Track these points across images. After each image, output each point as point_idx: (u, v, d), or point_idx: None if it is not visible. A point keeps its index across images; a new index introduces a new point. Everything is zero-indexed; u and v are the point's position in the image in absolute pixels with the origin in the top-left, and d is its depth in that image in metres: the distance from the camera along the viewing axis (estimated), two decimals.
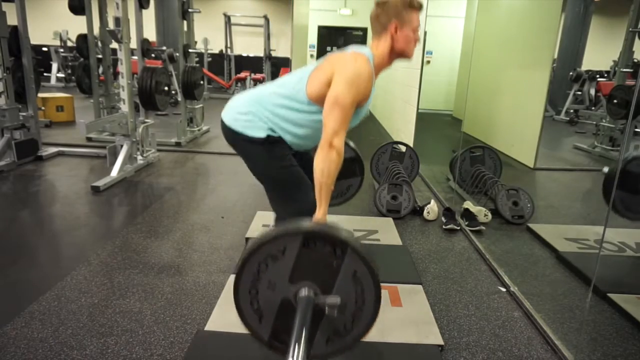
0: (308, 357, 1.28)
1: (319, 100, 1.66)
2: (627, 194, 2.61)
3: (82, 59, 6.48)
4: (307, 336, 1.19)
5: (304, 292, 1.27)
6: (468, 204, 3.30)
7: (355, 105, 1.61)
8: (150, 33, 8.83)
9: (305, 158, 1.88)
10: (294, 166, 1.80)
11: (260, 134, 1.73)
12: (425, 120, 5.97)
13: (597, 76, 8.29)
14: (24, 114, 4.16)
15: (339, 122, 1.57)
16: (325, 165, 1.55)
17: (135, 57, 4.77)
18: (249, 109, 1.75)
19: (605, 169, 2.71)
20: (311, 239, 1.25)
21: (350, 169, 2.53)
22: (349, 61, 1.64)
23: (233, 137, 1.79)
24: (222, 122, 1.82)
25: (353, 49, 1.71)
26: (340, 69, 1.62)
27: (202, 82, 5.79)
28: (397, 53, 1.75)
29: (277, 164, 1.78)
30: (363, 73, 1.62)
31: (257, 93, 1.80)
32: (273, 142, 1.75)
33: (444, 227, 3.13)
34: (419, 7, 1.74)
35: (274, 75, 11.36)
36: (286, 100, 1.72)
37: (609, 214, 2.65)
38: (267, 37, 11.17)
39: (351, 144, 2.45)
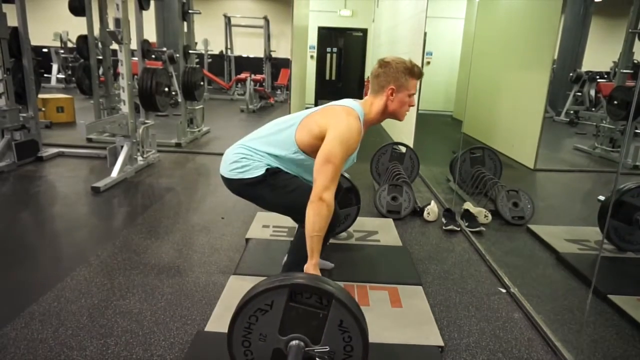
0: None
1: (308, 150, 1.77)
2: (622, 224, 2.66)
3: (82, 60, 6.47)
4: None
5: (294, 343, 1.33)
6: (468, 205, 3.29)
7: (345, 160, 1.71)
8: (151, 34, 8.84)
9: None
10: (300, 185, 1.88)
11: (259, 172, 1.82)
12: (425, 121, 5.97)
13: (597, 77, 8.29)
14: (24, 115, 4.16)
15: (330, 179, 1.65)
16: (316, 220, 1.63)
17: (135, 58, 4.77)
18: (242, 158, 1.86)
19: (601, 197, 2.76)
20: (297, 291, 1.31)
21: (347, 198, 2.63)
22: (342, 119, 1.72)
23: (236, 186, 1.90)
24: (222, 177, 1.94)
25: (346, 104, 1.80)
26: (334, 125, 1.71)
27: (202, 83, 5.79)
28: (388, 113, 1.86)
29: (284, 190, 1.86)
30: (354, 132, 1.71)
31: (247, 143, 1.90)
32: (273, 173, 1.84)
33: (444, 228, 3.13)
34: (419, 76, 1.85)
35: (274, 76, 11.37)
36: (276, 147, 1.83)
37: (609, 214, 2.66)
38: (267, 38, 11.18)
39: (346, 175, 2.54)
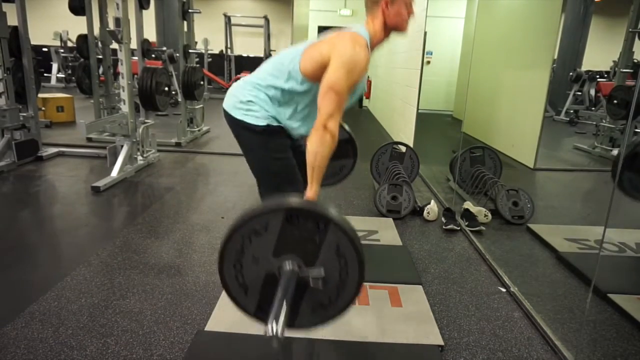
0: (292, 326, 1.32)
1: (312, 78, 1.66)
2: (635, 174, 2.60)
3: (82, 60, 6.47)
4: (288, 306, 1.21)
5: (287, 265, 1.28)
6: (468, 204, 3.30)
7: (351, 89, 1.61)
8: (151, 33, 8.84)
9: (299, 153, 1.88)
10: (289, 159, 1.81)
11: (260, 122, 1.73)
12: (425, 121, 5.97)
13: (597, 76, 8.29)
14: (24, 114, 4.16)
15: (334, 107, 1.56)
16: (319, 149, 1.54)
17: (135, 58, 4.77)
18: (249, 97, 1.75)
19: (615, 151, 2.71)
20: (293, 214, 1.26)
21: (344, 150, 2.51)
22: (347, 44, 1.61)
23: (234, 124, 1.80)
24: (224, 110, 1.83)
25: (351, 30, 1.68)
26: (339, 52, 1.60)
27: (202, 82, 5.79)
28: (390, 28, 1.72)
29: (274, 155, 1.79)
30: (360, 59, 1.60)
31: (254, 78, 1.79)
32: (272, 133, 1.76)
33: (444, 227, 3.13)
34: None
35: None
36: (282, 80, 1.71)
37: (608, 214, 2.65)
38: (267, 38, 11.19)
39: (346, 126, 2.45)
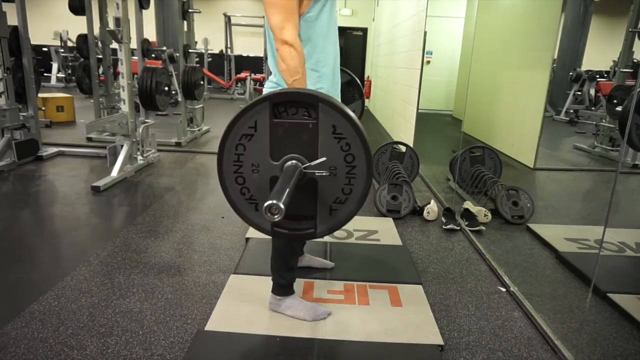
0: (302, 235, 1.26)
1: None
2: None
3: (82, 59, 6.47)
4: (289, 192, 1.12)
5: (289, 163, 1.22)
6: (468, 204, 3.30)
7: None
8: (151, 33, 8.83)
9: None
10: None
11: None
12: (425, 121, 5.98)
13: (597, 76, 8.29)
14: (24, 114, 4.16)
15: (282, 17, 1.49)
16: (287, 64, 1.47)
17: (135, 58, 4.77)
18: (275, 80, 1.71)
19: (619, 108, 2.69)
20: (278, 104, 1.20)
21: (348, 93, 2.43)
22: None
23: None
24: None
25: None
26: None
27: (202, 82, 5.79)
28: None
29: None
30: None
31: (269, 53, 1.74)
32: None
33: (444, 227, 3.13)
34: None
35: None
36: (270, 43, 1.66)
37: (608, 213, 2.65)
38: None
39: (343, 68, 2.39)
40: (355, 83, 2.45)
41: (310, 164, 1.20)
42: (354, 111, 2.49)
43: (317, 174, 1.20)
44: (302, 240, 1.30)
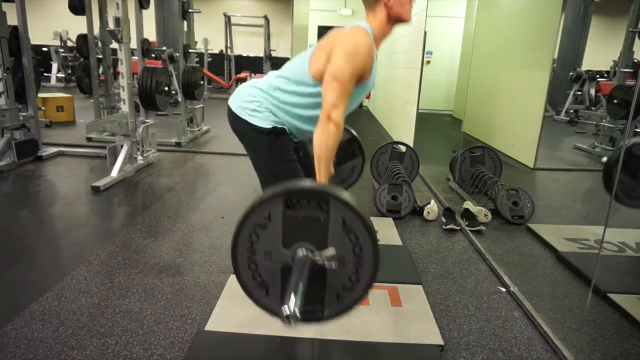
0: (309, 319, 1.29)
1: (321, 79, 1.64)
2: (627, 180, 2.59)
3: (82, 59, 6.48)
4: (304, 289, 1.19)
5: (300, 252, 1.27)
6: (468, 204, 3.30)
7: (354, 78, 1.59)
8: (151, 33, 8.83)
9: (304, 154, 1.88)
10: (294, 161, 1.80)
11: (266, 124, 1.73)
12: (425, 121, 5.98)
13: (597, 76, 8.29)
14: (24, 114, 4.16)
15: (337, 96, 1.54)
16: (324, 139, 1.54)
17: (135, 57, 4.77)
18: (255, 98, 1.75)
19: (604, 159, 2.71)
20: (292, 197, 1.25)
21: (350, 150, 2.51)
22: (347, 35, 1.61)
23: (239, 125, 1.78)
24: (229, 109, 1.81)
25: (351, 24, 1.68)
26: (339, 43, 1.60)
27: (202, 82, 5.79)
28: (394, 19, 1.71)
29: (278, 156, 1.78)
30: (361, 45, 1.59)
31: (263, 81, 1.79)
32: (278, 135, 1.75)
33: (444, 227, 3.13)
34: None
35: None
36: (291, 84, 1.71)
37: (608, 213, 2.65)
38: (267, 37, 11.18)
39: (349, 128, 2.44)
40: (356, 140, 2.55)
41: (320, 255, 1.26)
42: (354, 166, 2.52)
43: (326, 264, 1.26)
44: (311, 323, 1.36)
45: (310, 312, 1.32)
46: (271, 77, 1.78)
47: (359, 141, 2.57)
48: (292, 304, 1.13)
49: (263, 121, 1.73)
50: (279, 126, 1.75)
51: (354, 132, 2.52)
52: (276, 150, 1.78)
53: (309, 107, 1.73)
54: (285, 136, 1.78)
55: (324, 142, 1.54)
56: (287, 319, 1.13)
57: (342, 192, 1.28)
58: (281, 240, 1.28)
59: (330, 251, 1.26)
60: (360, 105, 10.62)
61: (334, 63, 1.57)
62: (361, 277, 1.31)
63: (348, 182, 2.62)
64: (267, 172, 1.87)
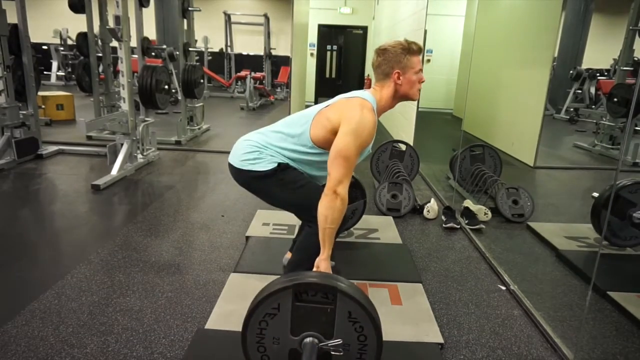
0: None
1: (323, 145, 1.74)
2: (615, 220, 2.66)
3: (82, 58, 6.47)
4: None
5: (307, 340, 1.34)
6: (468, 203, 3.30)
7: (359, 153, 1.69)
8: (151, 31, 8.82)
9: None
10: (309, 182, 1.87)
11: (269, 166, 1.80)
12: (425, 119, 5.98)
13: (598, 74, 8.29)
14: (24, 112, 4.16)
15: (343, 172, 1.63)
16: (329, 213, 1.62)
17: (135, 56, 4.77)
18: (255, 150, 1.83)
19: (595, 194, 2.77)
20: (301, 291, 1.32)
21: (351, 193, 2.55)
22: (356, 112, 1.69)
23: (244, 177, 1.87)
24: (231, 166, 1.90)
25: (358, 96, 1.76)
26: (347, 119, 1.68)
27: (202, 80, 5.79)
28: (401, 97, 1.82)
29: (292, 186, 1.85)
30: (368, 124, 1.68)
31: (260, 135, 1.88)
32: (283, 169, 1.83)
33: (444, 225, 3.13)
34: (419, 51, 1.81)
35: (274, 73, 11.36)
36: (290, 142, 1.81)
37: (608, 212, 2.66)
38: (267, 36, 11.16)
39: None
40: (358, 185, 2.63)
41: (327, 344, 1.32)
42: (355, 209, 2.61)
43: (332, 352, 1.33)
44: None
45: None
46: (267, 133, 1.87)
47: (361, 185, 2.66)
48: None
49: (266, 165, 1.81)
50: (283, 162, 1.82)
51: (355, 177, 2.57)
52: (288, 183, 1.84)
53: (308, 163, 1.84)
54: (290, 168, 1.85)
55: (329, 215, 1.62)
56: None
57: (350, 285, 1.34)
58: (289, 328, 1.34)
59: (337, 342, 1.32)
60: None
61: (341, 141, 1.65)
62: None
63: (348, 224, 2.71)
64: (288, 204, 1.96)
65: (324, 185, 1.71)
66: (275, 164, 1.80)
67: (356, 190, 2.64)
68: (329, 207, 1.63)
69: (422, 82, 1.83)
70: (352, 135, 1.65)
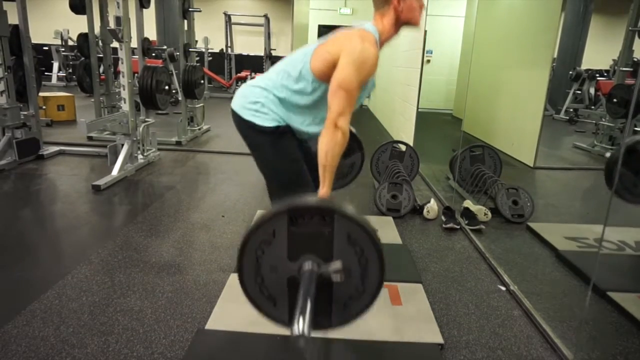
0: (317, 327, 1.28)
1: (323, 78, 1.64)
2: (629, 176, 2.60)
3: (83, 58, 6.48)
4: (312, 304, 1.19)
5: (306, 265, 1.27)
6: (468, 203, 3.30)
7: (360, 86, 1.60)
8: (151, 32, 8.83)
9: (308, 154, 1.88)
10: (299, 161, 1.80)
11: (269, 123, 1.72)
12: (425, 120, 5.98)
13: (597, 75, 8.29)
14: (25, 113, 4.16)
15: (344, 104, 1.55)
16: (329, 147, 1.54)
17: (135, 56, 4.77)
18: (258, 98, 1.74)
19: (608, 154, 2.73)
20: (296, 214, 1.25)
21: (349, 147, 2.49)
22: (356, 42, 1.60)
23: (242, 125, 1.78)
24: (232, 111, 1.82)
25: (359, 27, 1.67)
26: (347, 50, 1.59)
27: (202, 81, 5.79)
28: (402, 23, 1.71)
29: (283, 155, 1.77)
30: (370, 56, 1.59)
31: (264, 79, 1.78)
32: (281, 134, 1.75)
33: (443, 226, 3.13)
34: None
35: None
36: (292, 81, 1.70)
37: (608, 212, 2.66)
38: (268, 36, 11.17)
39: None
40: (355, 137, 2.51)
41: (326, 269, 1.26)
42: (353, 163, 2.53)
43: (332, 277, 1.27)
44: (319, 331, 1.37)
45: (318, 323, 1.32)
46: (271, 74, 1.77)
47: (358, 137, 2.55)
48: (301, 325, 1.13)
49: (266, 121, 1.72)
50: (282, 125, 1.74)
51: (352, 128, 2.51)
52: (280, 150, 1.77)
53: (311, 106, 1.73)
54: (288, 135, 1.77)
55: (330, 150, 1.54)
56: (299, 340, 1.13)
57: (347, 206, 1.27)
58: (287, 254, 1.28)
59: (337, 264, 1.26)
60: (361, 105, 10.63)
61: (341, 72, 1.57)
62: (367, 287, 1.32)
63: (347, 178, 2.61)
64: (273, 173, 1.87)
65: (316, 180, 1.64)
66: (276, 123, 1.72)
67: (353, 142, 2.47)
68: (330, 141, 1.54)
69: (423, 7, 1.73)
70: (352, 66, 1.56)
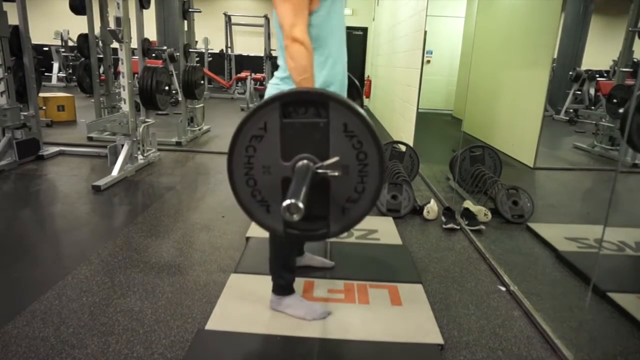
0: (315, 236, 1.22)
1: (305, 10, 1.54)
2: None
3: (83, 59, 6.48)
4: (306, 192, 1.10)
5: (301, 163, 1.20)
6: (468, 204, 3.30)
7: None
8: (151, 33, 8.83)
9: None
10: None
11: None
12: (425, 120, 5.98)
13: (597, 76, 8.29)
14: (25, 113, 4.16)
15: (292, 13, 1.47)
16: (296, 62, 1.46)
17: (136, 57, 4.78)
18: (279, 86, 1.70)
19: (621, 110, 2.73)
20: (288, 104, 1.17)
21: (348, 93, 2.43)
22: None
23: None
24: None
25: None
26: None
27: (202, 81, 5.79)
28: None
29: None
30: None
31: (278, 60, 1.74)
32: None
33: (443, 226, 3.13)
34: None
35: None
36: (281, 51, 1.64)
37: (608, 213, 2.66)
38: (268, 37, 11.16)
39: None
40: (354, 85, 2.43)
41: (322, 164, 1.18)
42: None
43: (329, 174, 1.18)
44: (316, 240, 1.29)
45: (315, 229, 1.25)
46: (279, 51, 1.70)
47: (356, 83, 2.46)
48: (292, 199, 1.04)
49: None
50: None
51: (349, 75, 2.45)
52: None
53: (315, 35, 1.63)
54: None
55: (298, 65, 1.47)
56: (287, 209, 1.04)
57: (341, 96, 1.20)
58: (280, 152, 1.19)
59: (333, 159, 1.18)
60: (361, 105, 10.62)
61: None
62: (367, 187, 1.23)
63: None
64: None
65: None
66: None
67: (350, 87, 2.36)
68: (294, 56, 1.45)
69: None
70: None
